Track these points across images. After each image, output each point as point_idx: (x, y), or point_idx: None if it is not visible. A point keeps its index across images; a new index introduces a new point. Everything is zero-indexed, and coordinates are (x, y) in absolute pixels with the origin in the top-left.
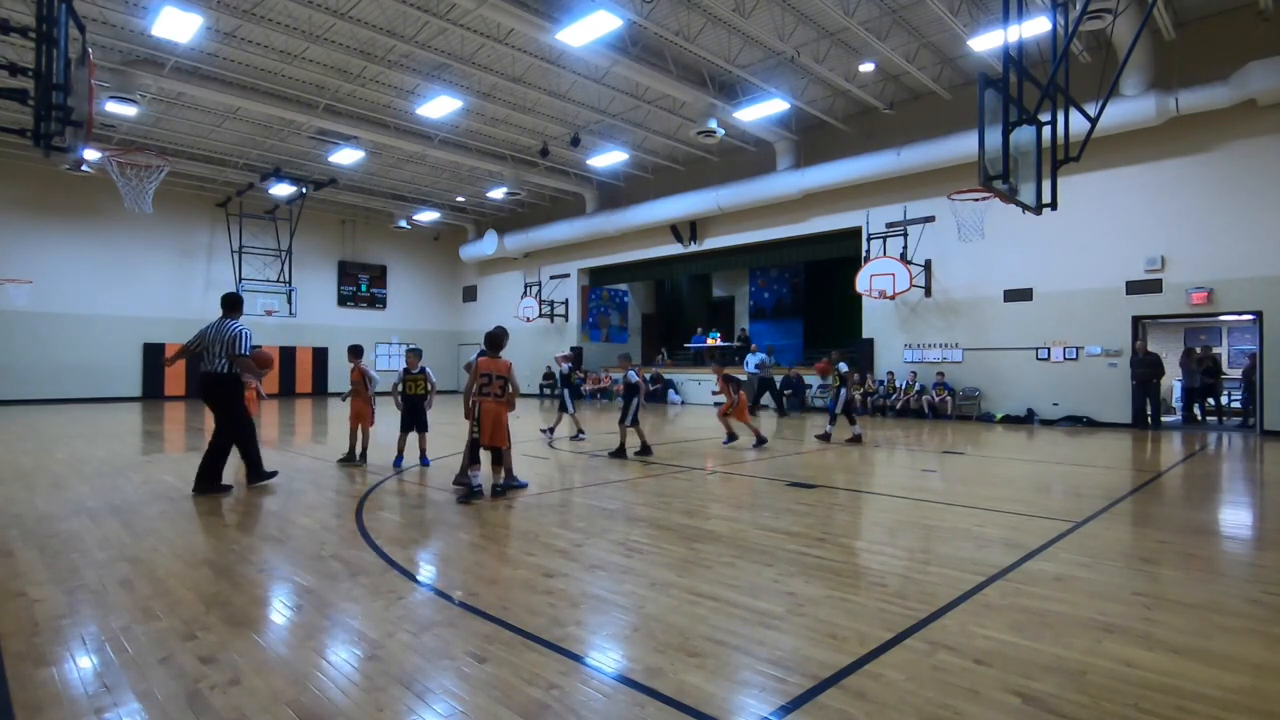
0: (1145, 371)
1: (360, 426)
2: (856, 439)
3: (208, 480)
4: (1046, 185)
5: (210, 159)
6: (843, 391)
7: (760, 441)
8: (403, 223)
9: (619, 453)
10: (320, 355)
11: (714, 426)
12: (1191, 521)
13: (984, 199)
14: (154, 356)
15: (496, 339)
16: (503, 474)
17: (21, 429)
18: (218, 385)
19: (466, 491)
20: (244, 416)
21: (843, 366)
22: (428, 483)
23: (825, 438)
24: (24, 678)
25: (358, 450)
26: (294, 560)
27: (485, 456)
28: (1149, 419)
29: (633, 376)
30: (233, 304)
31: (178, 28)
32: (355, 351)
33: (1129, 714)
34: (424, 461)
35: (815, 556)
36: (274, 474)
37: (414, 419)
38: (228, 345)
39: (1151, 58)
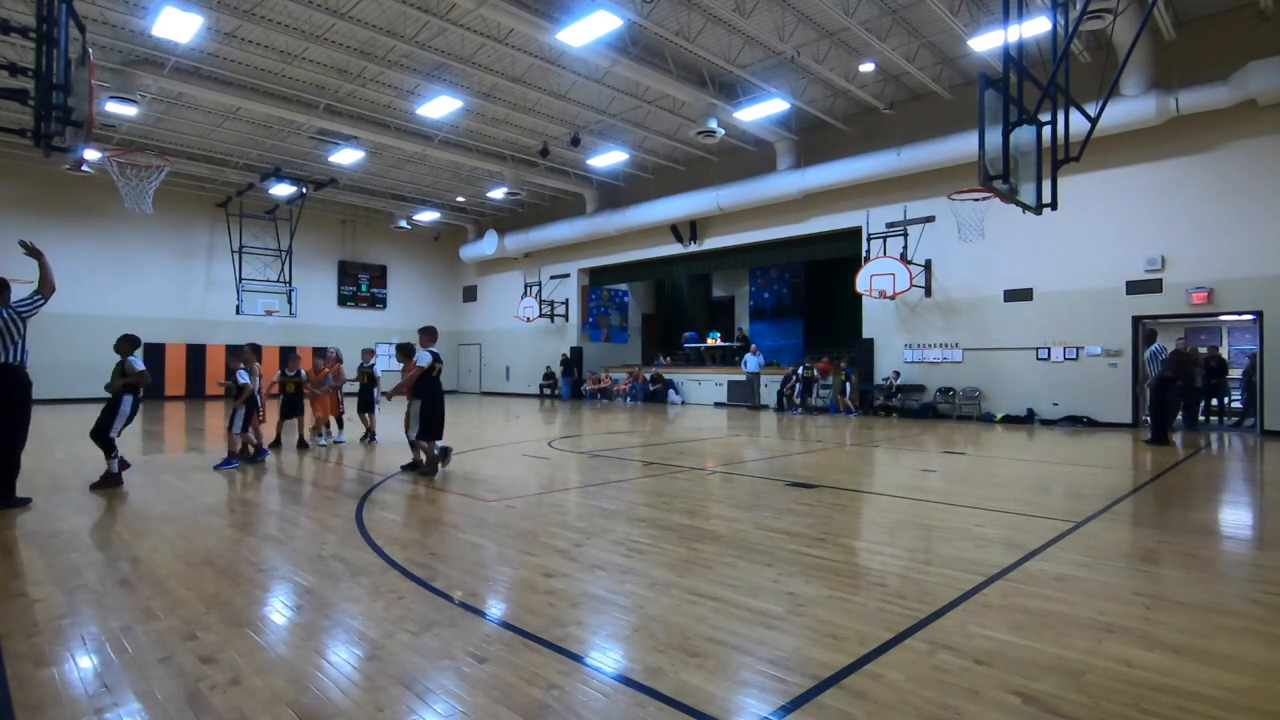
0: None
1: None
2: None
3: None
4: (1046, 185)
5: (210, 159)
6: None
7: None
8: (403, 223)
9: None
10: (320, 356)
11: (714, 426)
12: (1191, 521)
13: (984, 199)
14: (154, 356)
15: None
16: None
17: None
18: (5, 379)
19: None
20: (25, 422)
21: (241, 376)
22: (428, 483)
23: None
24: (24, 678)
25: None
26: (294, 560)
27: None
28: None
29: (242, 377)
30: None
31: (178, 28)
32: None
33: (1129, 714)
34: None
35: (815, 556)
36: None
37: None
38: (26, 326)
39: (1151, 58)
